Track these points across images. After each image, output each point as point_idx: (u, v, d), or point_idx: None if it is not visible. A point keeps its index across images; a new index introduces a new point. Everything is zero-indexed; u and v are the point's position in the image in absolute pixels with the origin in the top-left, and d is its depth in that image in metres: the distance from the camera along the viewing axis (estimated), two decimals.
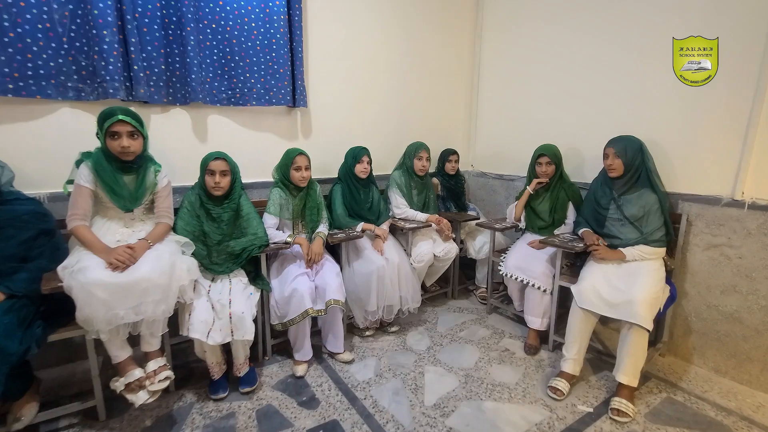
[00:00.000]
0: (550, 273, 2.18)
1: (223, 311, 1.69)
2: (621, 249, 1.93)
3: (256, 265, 1.99)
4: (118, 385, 1.52)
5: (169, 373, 1.61)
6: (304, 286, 1.93)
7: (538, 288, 2.17)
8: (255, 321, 1.89)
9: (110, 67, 1.80)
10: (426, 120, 3.14)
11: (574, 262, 2.27)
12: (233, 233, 1.90)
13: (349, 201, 2.42)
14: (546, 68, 2.72)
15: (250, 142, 2.35)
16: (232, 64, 2.16)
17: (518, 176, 2.98)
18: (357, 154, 2.41)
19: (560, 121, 2.67)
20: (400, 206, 2.60)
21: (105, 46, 1.78)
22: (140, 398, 1.51)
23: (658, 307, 1.76)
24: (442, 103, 3.23)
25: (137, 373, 1.55)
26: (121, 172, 1.63)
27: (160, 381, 1.57)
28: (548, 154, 2.32)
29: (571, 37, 2.54)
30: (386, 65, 2.84)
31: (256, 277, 1.97)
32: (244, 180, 2.30)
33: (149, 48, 1.93)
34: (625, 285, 1.79)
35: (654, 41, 2.12)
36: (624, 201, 2.00)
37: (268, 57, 2.23)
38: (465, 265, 3.01)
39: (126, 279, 1.43)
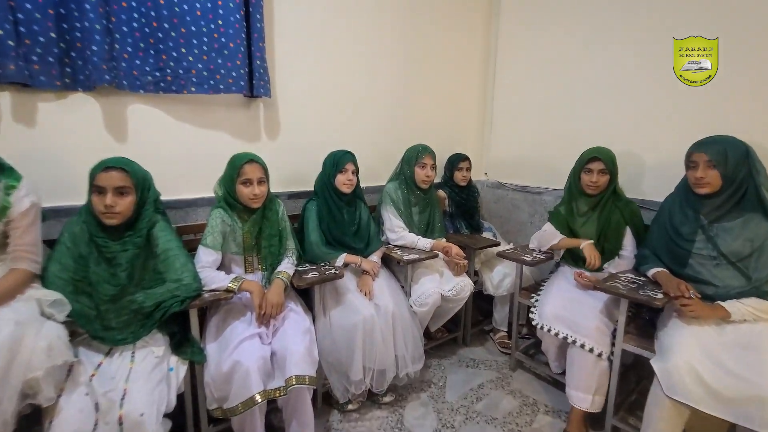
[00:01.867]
0: (606, 329, 1.55)
1: (111, 412, 1.05)
2: (721, 303, 1.31)
3: (182, 323, 1.36)
4: None
5: None
6: (251, 357, 1.29)
7: (590, 350, 1.53)
8: (182, 405, 1.27)
9: None
10: (429, 118, 2.52)
11: (637, 312, 1.64)
12: (142, 281, 1.27)
13: (328, 223, 1.80)
14: (585, 53, 2.12)
15: (193, 144, 1.72)
16: (160, 35, 1.53)
17: (546, 188, 2.36)
18: (339, 161, 1.80)
19: (605, 119, 2.07)
20: (395, 229, 1.98)
21: None
22: None
23: None
24: (450, 98, 2.61)
25: None
26: None
27: None
28: (603, 158, 1.70)
29: (619, 19, 1.94)
30: (380, 49, 2.22)
31: (182, 341, 1.34)
32: (185, 196, 1.71)
33: (29, 6, 1.31)
34: (740, 365, 1.16)
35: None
36: (720, 230, 1.38)
37: (212, 26, 1.61)
38: (478, 297, 2.38)
39: None
